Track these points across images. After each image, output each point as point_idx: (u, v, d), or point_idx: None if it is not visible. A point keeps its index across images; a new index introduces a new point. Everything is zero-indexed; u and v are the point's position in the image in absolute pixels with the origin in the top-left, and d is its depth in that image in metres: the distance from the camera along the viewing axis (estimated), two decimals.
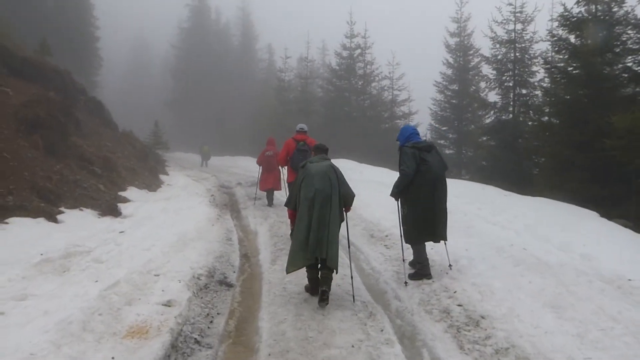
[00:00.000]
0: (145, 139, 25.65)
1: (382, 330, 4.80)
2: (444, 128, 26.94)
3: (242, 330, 5.08)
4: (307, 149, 9.15)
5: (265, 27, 57.86)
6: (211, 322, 5.13)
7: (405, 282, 6.08)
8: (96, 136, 17.96)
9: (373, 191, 14.04)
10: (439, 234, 6.29)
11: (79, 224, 9.34)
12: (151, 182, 16.67)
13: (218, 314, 5.40)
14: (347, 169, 20.64)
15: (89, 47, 40.54)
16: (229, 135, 46.15)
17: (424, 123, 30.09)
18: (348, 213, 6.20)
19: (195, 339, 4.65)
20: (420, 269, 6.28)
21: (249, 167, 25.23)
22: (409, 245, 6.48)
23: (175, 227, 9.06)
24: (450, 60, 26.85)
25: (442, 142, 26.57)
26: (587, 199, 10.62)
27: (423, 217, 6.19)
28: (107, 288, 5.32)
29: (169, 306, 5.14)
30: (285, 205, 6.22)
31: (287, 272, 5.67)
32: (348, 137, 29.05)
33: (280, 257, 7.54)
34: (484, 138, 21.21)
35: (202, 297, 5.73)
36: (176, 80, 55.45)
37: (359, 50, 31.03)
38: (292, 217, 6.06)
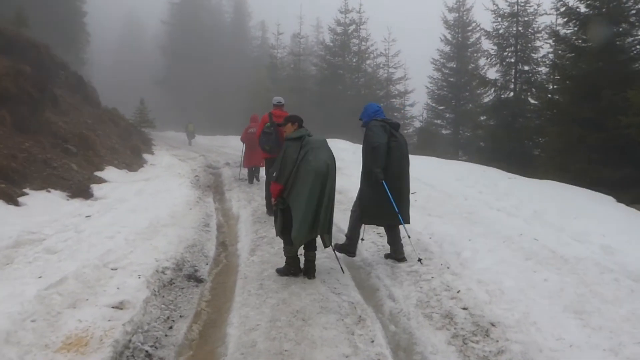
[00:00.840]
0: (131, 117, 24.67)
1: (372, 341, 3.99)
2: (441, 107, 26.07)
3: (206, 339, 4.27)
4: (272, 131, 8.34)
5: (258, 2, 56.36)
6: (170, 328, 4.32)
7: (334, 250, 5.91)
8: (75, 113, 16.98)
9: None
10: (404, 216, 5.97)
11: (42, 207, 8.48)
12: (133, 162, 15.77)
13: (180, 316, 4.59)
14: (340, 149, 19.86)
15: (75, 21, 39.05)
16: (221, 114, 45.02)
17: (420, 102, 29.27)
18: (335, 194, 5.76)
19: (147, 351, 3.84)
20: (348, 245, 6.18)
21: (239, 147, 24.10)
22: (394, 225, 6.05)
23: (148, 212, 8.23)
24: (449, 36, 25.84)
25: (438, 121, 25.76)
26: (596, 182, 9.84)
27: (386, 196, 5.84)
28: (50, 286, 4.49)
29: (121, 309, 4.32)
30: (276, 180, 5.40)
31: (296, 246, 5.37)
32: (342, 116, 28.12)
33: (260, 247, 6.74)
34: (483, 117, 20.42)
35: (163, 296, 4.91)
36: (166, 57, 54.06)
37: (353, 26, 29.89)
38: (278, 193, 5.37)
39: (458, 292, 4.73)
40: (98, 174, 12.54)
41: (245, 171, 13.32)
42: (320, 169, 5.15)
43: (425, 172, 11.96)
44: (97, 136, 15.83)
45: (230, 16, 56.86)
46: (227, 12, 57.78)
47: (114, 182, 12.06)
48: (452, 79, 25.67)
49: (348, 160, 17.16)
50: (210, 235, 7.50)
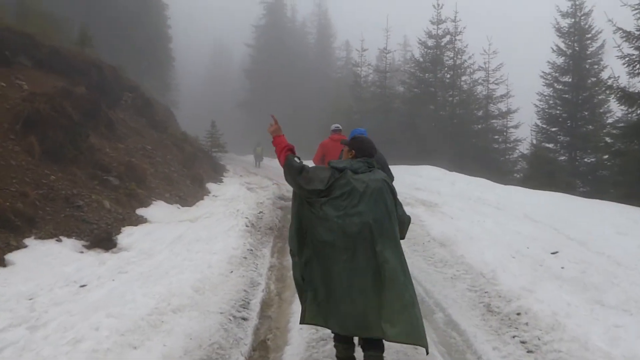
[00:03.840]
0: (204, 141, 23.03)
1: None
2: (553, 129, 22.10)
3: None
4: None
5: (343, 23, 54.67)
6: None
7: None
8: (134, 138, 15.24)
9: (474, 214, 10.03)
10: None
11: (34, 267, 6.26)
12: (190, 194, 13.61)
13: None
14: (433, 179, 16.66)
15: (161, 46, 39.13)
16: (302, 137, 43.05)
17: (525, 123, 25.36)
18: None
19: None
20: None
21: None
22: None
23: (167, 278, 5.71)
24: (562, 46, 21.92)
25: (550, 145, 21.77)
26: None
27: None
28: None
29: None
30: (291, 246, 3.70)
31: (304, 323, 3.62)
32: (433, 139, 24.94)
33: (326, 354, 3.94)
34: (608, 140, 16.43)
35: None
36: (250, 80, 53.47)
37: (447, 37, 26.57)
38: None
39: None
40: (140, 211, 10.40)
41: None
42: (347, 228, 3.32)
43: (562, 218, 8.66)
44: (153, 164, 13.88)
45: (314, 37, 55.60)
46: (310, 34, 56.59)
47: (156, 222, 9.82)
48: (566, 96, 21.71)
49: (445, 193, 13.98)
50: (245, 329, 4.76)
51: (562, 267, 6.19)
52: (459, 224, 9.34)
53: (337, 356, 3.67)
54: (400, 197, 12.01)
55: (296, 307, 5.22)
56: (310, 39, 56.52)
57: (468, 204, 11.71)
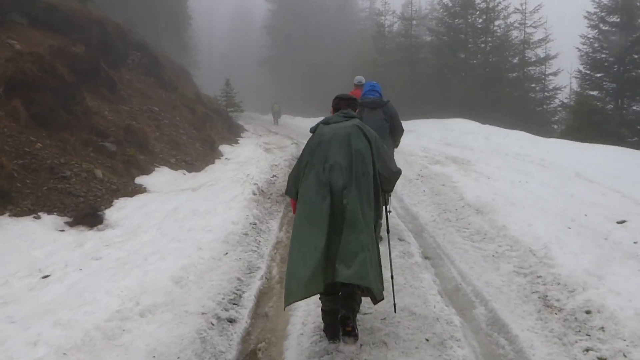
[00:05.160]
0: (220, 101, 21.87)
1: None
2: (598, 75, 20.14)
3: None
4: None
5: None
6: None
7: None
8: (140, 99, 14.20)
9: (515, 173, 8.73)
10: None
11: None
12: (200, 158, 12.60)
13: None
14: (464, 133, 15.18)
15: (178, 5, 37.76)
16: (326, 92, 41.47)
17: (564, 70, 23.38)
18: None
19: None
20: None
21: None
22: None
23: (144, 266, 4.70)
24: None
25: (595, 93, 19.86)
26: None
27: None
28: None
29: None
30: (286, 193, 3.84)
31: (285, 306, 3.36)
32: (464, 90, 23.21)
33: None
34: None
35: None
36: (271, 37, 51.63)
37: None
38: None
39: None
40: (140, 179, 9.45)
41: None
42: (319, 174, 3.33)
43: (624, 177, 7.32)
44: (158, 127, 12.85)
45: None
46: None
47: (155, 191, 8.86)
48: (614, 37, 19.62)
49: (479, 149, 12.59)
50: (229, 338, 3.69)
51: (635, 242, 4.93)
52: (497, 185, 8.07)
53: (322, 309, 3.49)
54: (429, 154, 10.66)
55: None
56: None
57: (506, 161, 10.36)
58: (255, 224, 6.57)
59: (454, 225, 6.31)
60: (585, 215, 5.91)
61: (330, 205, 3.23)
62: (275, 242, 6.15)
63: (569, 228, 5.50)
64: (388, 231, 3.95)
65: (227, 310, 4.04)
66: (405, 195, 8.33)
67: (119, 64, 15.23)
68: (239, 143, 17.74)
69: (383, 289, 3.39)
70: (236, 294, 4.38)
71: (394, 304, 3.83)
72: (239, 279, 4.70)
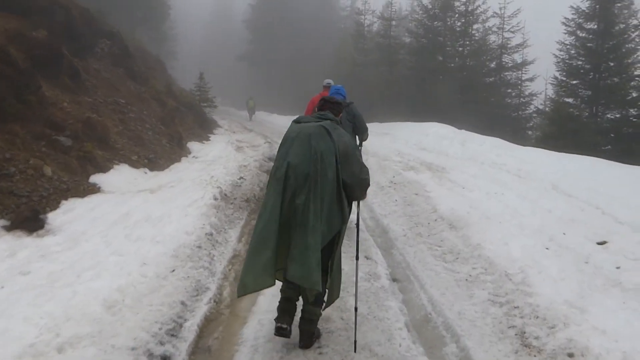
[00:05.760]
0: (194, 93, 21.16)
1: None
2: (574, 82, 20.04)
3: None
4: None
5: None
6: None
7: None
8: (106, 90, 13.47)
9: (491, 183, 8.38)
10: None
11: None
12: (164, 155, 11.97)
13: None
14: (440, 138, 14.80)
15: None
16: (304, 89, 40.90)
17: (540, 76, 23.35)
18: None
19: None
20: None
21: None
22: None
23: (75, 285, 4.15)
24: None
25: (570, 100, 19.74)
26: None
27: None
28: None
29: None
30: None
31: (238, 296, 3.44)
32: (442, 94, 22.94)
33: None
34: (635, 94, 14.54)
35: None
36: (250, 31, 50.82)
37: None
38: None
39: None
40: (95, 178, 8.81)
41: None
42: (276, 170, 3.48)
43: (603, 191, 6.99)
44: (123, 121, 12.17)
45: None
46: None
47: (110, 191, 8.24)
48: (590, 44, 19.53)
49: (455, 155, 12.24)
50: None
51: (618, 267, 4.58)
52: (472, 196, 7.69)
53: (281, 297, 3.57)
54: (403, 159, 10.20)
55: (250, 329, 3.68)
56: None
57: (482, 169, 10.01)
58: (211, 234, 6.05)
59: (426, 242, 5.89)
60: (564, 234, 5.54)
61: (281, 203, 3.30)
62: (231, 255, 5.65)
63: (547, 249, 5.13)
64: (357, 257, 3.83)
65: (162, 344, 3.52)
66: (376, 204, 7.88)
67: (85, 52, 14.45)
68: (210, 140, 17.13)
69: (337, 297, 3.60)
70: (177, 322, 3.86)
71: (355, 341, 3.40)
72: (183, 302, 4.17)
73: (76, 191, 7.87)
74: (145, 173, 10.14)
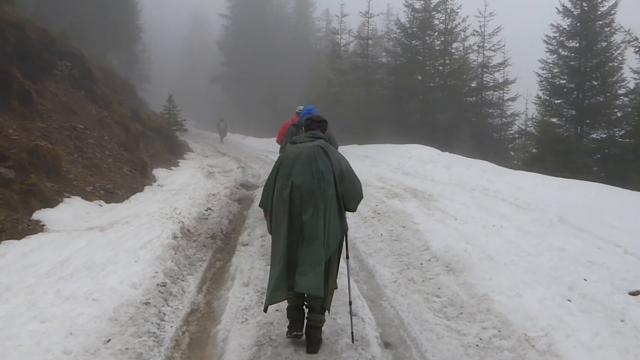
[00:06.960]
0: (164, 117, 20.10)
1: None
2: (558, 101, 19.60)
3: None
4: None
5: None
6: None
7: None
8: (63, 114, 12.40)
9: (486, 213, 7.53)
10: None
11: None
12: (125, 185, 10.90)
13: None
14: (424, 161, 13.88)
15: (128, 16, 35.97)
16: (280, 111, 40.09)
17: (521, 95, 23.02)
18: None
19: None
20: None
21: None
22: None
23: None
24: (569, 5, 19.23)
25: (554, 120, 19.27)
26: None
27: None
28: None
29: None
30: (260, 205, 4.17)
31: (265, 309, 3.82)
32: (422, 115, 22.33)
33: None
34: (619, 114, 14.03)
35: None
36: (225, 53, 50.11)
37: None
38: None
39: None
40: (40, 214, 7.76)
41: None
42: (282, 192, 3.74)
43: (619, 225, 6.18)
44: (79, 148, 11.09)
45: (292, 7, 52.13)
46: (289, 3, 53.04)
47: (56, 230, 7.20)
48: (573, 63, 19.15)
49: (441, 180, 11.41)
50: None
51: None
52: (466, 229, 6.82)
53: (287, 306, 3.89)
54: (385, 184, 9.28)
55: None
56: (289, 9, 53.02)
57: (473, 196, 9.18)
58: (164, 284, 5.03)
59: (421, 290, 4.95)
60: (585, 280, 4.67)
61: (289, 221, 3.63)
62: (188, 312, 4.64)
63: (570, 301, 4.25)
64: (348, 257, 4.17)
65: None
66: (359, 240, 6.94)
67: (41, 75, 13.39)
68: (179, 166, 16.08)
69: (330, 303, 3.95)
70: None
71: (352, 333, 3.84)
72: None
73: (12, 232, 6.80)
74: (100, 206, 9.06)
